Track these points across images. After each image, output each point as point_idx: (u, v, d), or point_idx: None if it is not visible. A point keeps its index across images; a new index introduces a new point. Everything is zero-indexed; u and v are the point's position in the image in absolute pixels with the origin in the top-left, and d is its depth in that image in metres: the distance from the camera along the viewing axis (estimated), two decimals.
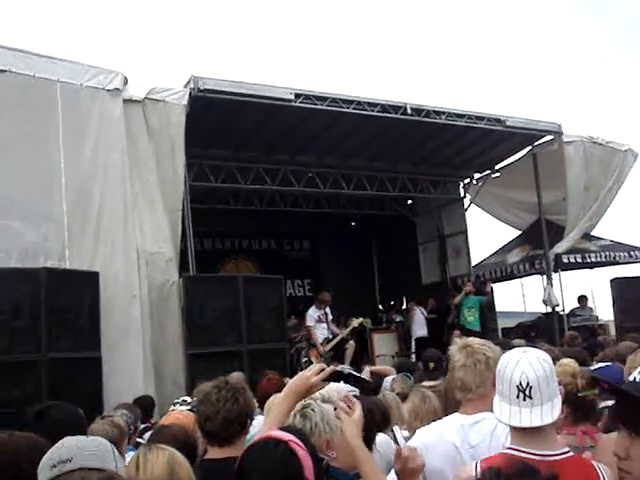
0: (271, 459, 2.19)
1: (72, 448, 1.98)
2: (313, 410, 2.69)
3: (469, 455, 2.97)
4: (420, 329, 15.45)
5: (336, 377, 2.65)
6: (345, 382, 2.71)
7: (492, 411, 2.85)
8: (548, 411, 2.47)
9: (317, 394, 2.76)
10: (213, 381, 3.40)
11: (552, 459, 2.39)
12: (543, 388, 2.48)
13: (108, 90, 9.30)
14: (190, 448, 3.43)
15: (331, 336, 12.49)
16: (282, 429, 2.34)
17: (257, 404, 4.00)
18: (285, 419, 2.73)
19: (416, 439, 3.18)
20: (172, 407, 5.03)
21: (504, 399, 2.50)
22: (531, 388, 2.46)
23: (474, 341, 3.34)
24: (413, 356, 14.29)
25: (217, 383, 3.36)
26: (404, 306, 18.22)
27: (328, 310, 12.64)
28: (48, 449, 2.04)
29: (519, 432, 2.48)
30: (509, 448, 2.49)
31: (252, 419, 3.36)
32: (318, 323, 12.31)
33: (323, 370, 2.72)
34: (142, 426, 6.02)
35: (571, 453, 2.47)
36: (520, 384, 2.46)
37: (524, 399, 2.46)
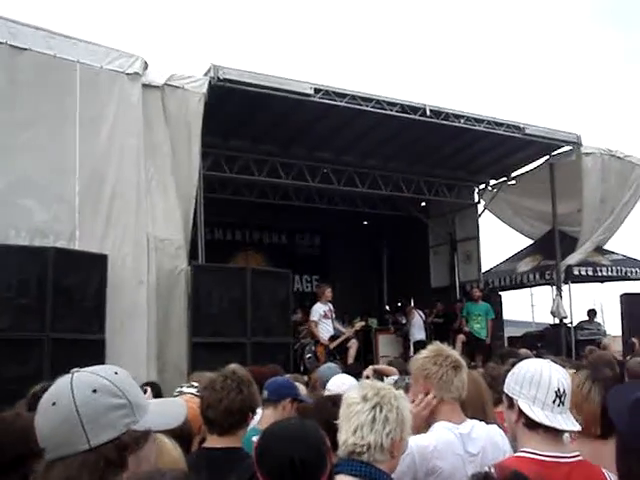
0: (298, 429, 2.23)
1: (42, 435, 1.75)
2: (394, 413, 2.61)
3: (472, 464, 2.95)
4: (419, 333, 15.42)
5: None
6: None
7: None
8: (572, 418, 2.61)
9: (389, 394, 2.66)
10: (220, 370, 3.39)
11: (566, 461, 2.51)
12: (569, 397, 2.62)
13: (128, 74, 9.27)
14: (185, 435, 3.40)
15: (335, 333, 12.43)
16: None
17: None
18: None
19: (429, 447, 3.00)
20: (179, 389, 4.86)
21: (536, 403, 2.56)
22: (565, 395, 2.58)
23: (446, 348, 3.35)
24: None
25: (224, 372, 3.36)
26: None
27: (332, 307, 12.58)
28: None
29: (538, 436, 2.55)
30: (523, 451, 2.55)
31: (254, 412, 3.33)
32: (324, 319, 12.25)
33: None
34: None
35: (581, 457, 2.55)
36: (558, 390, 2.56)
37: (558, 405, 2.56)
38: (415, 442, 2.76)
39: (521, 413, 2.58)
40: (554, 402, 2.54)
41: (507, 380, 2.71)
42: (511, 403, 2.65)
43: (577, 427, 2.59)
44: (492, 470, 2.45)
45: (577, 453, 2.56)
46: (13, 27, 8.44)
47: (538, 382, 2.57)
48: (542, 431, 2.53)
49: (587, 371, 3.54)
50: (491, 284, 16.54)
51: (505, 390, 2.71)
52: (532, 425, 2.55)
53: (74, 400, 1.71)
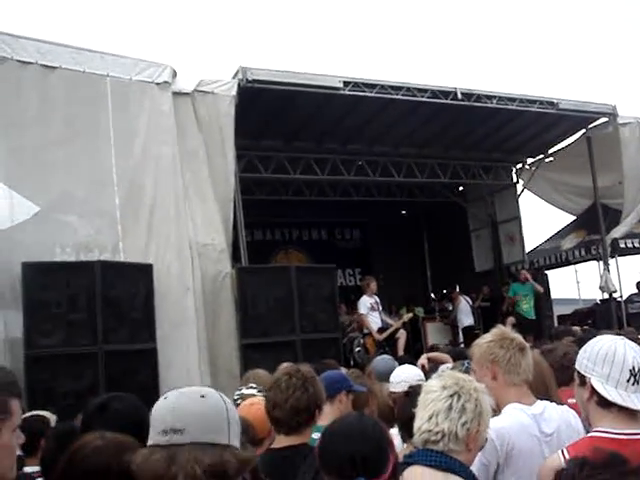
0: (357, 425, 2.23)
1: (187, 416, 1.73)
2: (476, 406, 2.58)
3: (547, 445, 2.93)
4: (467, 318, 15.32)
5: None
6: None
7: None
8: None
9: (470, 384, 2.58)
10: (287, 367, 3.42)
11: None
12: None
13: (157, 83, 9.33)
14: (249, 439, 3.39)
15: (382, 325, 12.36)
16: None
17: None
18: None
19: (504, 428, 2.96)
20: (238, 393, 4.76)
21: (610, 381, 2.48)
22: None
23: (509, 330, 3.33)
24: (462, 345, 14.10)
25: (288, 370, 3.35)
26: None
27: (378, 299, 12.52)
28: (136, 448, 1.92)
29: (611, 414, 2.47)
30: (597, 431, 2.48)
31: (321, 409, 3.31)
32: (371, 311, 12.19)
33: None
34: None
35: None
36: (633, 368, 2.47)
37: (633, 384, 2.46)
38: (491, 426, 2.68)
39: (593, 391, 2.50)
40: (628, 381, 2.45)
41: (579, 357, 2.63)
42: (583, 381, 2.57)
43: None
44: (566, 453, 2.42)
45: None
46: (42, 47, 8.55)
47: (612, 360, 2.48)
48: (616, 409, 2.45)
49: None
50: (536, 263, 16.34)
51: (577, 367, 2.62)
52: (605, 403, 2.47)
53: (223, 399, 1.81)
